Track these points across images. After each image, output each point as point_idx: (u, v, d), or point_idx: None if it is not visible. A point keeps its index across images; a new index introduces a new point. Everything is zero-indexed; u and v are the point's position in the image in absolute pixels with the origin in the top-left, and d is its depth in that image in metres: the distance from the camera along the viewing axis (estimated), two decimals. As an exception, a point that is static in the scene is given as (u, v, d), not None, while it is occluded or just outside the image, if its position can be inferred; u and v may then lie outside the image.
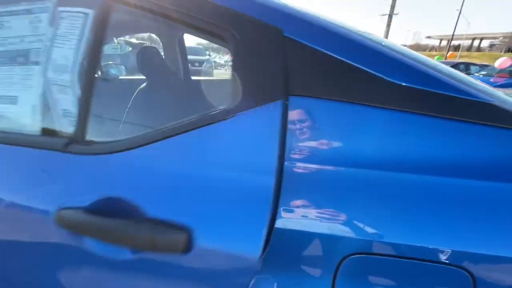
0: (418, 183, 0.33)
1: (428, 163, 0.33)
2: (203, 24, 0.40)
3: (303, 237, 0.34)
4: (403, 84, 0.34)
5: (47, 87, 0.52)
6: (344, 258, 0.33)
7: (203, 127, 0.38)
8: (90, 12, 0.50)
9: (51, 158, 0.47)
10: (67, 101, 0.51)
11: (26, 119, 0.54)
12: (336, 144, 0.35)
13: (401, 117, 0.34)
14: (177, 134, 0.40)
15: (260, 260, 0.33)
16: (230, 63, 0.41)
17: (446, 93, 0.34)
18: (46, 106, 0.52)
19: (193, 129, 0.39)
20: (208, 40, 0.48)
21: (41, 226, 0.43)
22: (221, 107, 0.40)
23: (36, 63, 0.53)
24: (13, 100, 0.55)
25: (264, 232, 0.33)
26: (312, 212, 0.33)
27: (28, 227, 0.45)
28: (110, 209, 0.40)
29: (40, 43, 0.53)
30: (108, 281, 0.41)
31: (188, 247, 0.35)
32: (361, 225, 0.32)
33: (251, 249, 0.34)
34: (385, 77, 0.34)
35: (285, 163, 0.35)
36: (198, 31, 0.43)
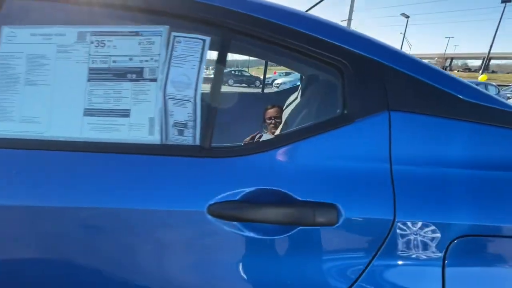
0: (499, 178, 0.49)
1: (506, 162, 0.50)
2: (324, 58, 0.54)
3: (418, 224, 0.48)
4: (477, 102, 0.53)
5: (165, 101, 0.59)
6: (452, 241, 0.47)
7: (332, 130, 0.52)
8: (207, 39, 0.59)
9: (184, 163, 0.54)
10: (185, 112, 0.59)
11: (140, 130, 0.59)
12: (426, 146, 0.52)
13: (475, 128, 0.52)
14: (309, 136, 0.52)
15: (392, 223, 0.48)
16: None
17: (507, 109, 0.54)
18: (165, 118, 0.59)
19: (323, 132, 0.52)
20: (317, 69, 0.62)
21: (194, 222, 0.50)
22: (338, 115, 0.54)
23: (153, 79, 0.59)
24: (124, 113, 0.59)
25: (391, 201, 0.48)
26: (423, 204, 0.48)
27: (180, 225, 0.51)
28: (264, 198, 0.50)
29: (154, 62, 0.59)
30: (261, 257, 0.50)
31: (337, 220, 0.48)
32: (467, 209, 0.47)
33: (382, 215, 0.48)
34: (462, 97, 0.53)
35: (393, 154, 0.51)
36: (315, 61, 0.57)
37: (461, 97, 0.54)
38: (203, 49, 0.59)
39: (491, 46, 21.97)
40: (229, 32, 0.58)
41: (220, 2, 0.58)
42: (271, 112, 1.56)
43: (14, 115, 0.62)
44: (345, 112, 0.54)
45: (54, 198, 0.54)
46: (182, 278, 0.52)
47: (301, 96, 1.50)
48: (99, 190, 0.55)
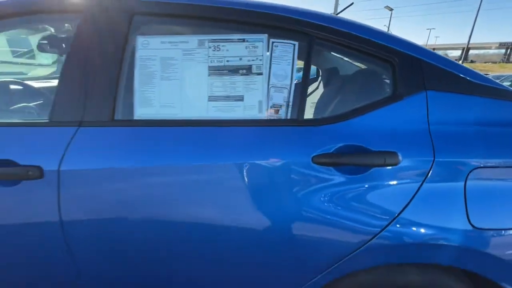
0: (498, 131, 0.76)
1: (504, 119, 0.78)
2: (383, 56, 0.80)
3: (449, 160, 0.74)
4: (478, 82, 0.80)
5: (269, 89, 0.82)
6: (471, 170, 0.73)
7: (389, 104, 0.78)
8: (295, 43, 0.83)
9: (288, 131, 0.78)
10: (282, 96, 0.83)
11: (252, 109, 0.82)
12: (448, 111, 0.78)
13: (480, 99, 0.79)
14: (374, 109, 0.78)
15: (431, 163, 0.73)
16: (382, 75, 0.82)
17: (500, 87, 0.81)
18: (268, 100, 0.82)
19: (383, 106, 0.78)
20: (372, 63, 0.87)
21: (302, 168, 0.75)
22: (391, 95, 0.80)
23: (259, 74, 0.82)
24: (239, 98, 0.83)
25: (431, 148, 0.74)
26: (452, 148, 0.74)
27: (290, 170, 0.75)
28: (349, 150, 0.75)
29: (259, 61, 0.83)
30: (347, 190, 0.75)
31: (398, 161, 0.73)
32: (477, 151, 0.74)
33: (426, 157, 0.74)
34: (470, 79, 0.80)
35: (431, 119, 0.77)
36: (374, 59, 0.82)
37: (471, 79, 0.81)
38: (294, 51, 0.83)
39: (470, 36, 22.99)
40: (313, 39, 0.82)
41: (307, 17, 0.82)
42: None
43: (155, 102, 0.84)
44: (396, 92, 0.80)
45: (187, 160, 0.77)
46: (292, 206, 0.76)
47: (324, 86, 1.76)
48: (224, 152, 0.78)
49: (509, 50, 66.44)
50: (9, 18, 0.90)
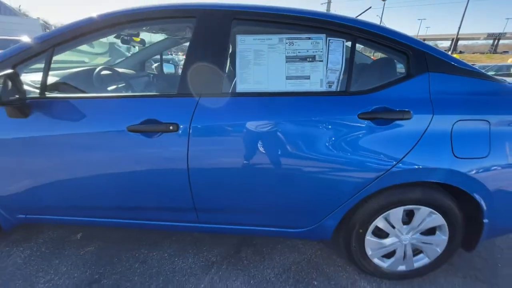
0: (475, 98, 1.21)
1: (477, 90, 1.22)
2: (400, 49, 1.22)
3: (442, 116, 1.17)
4: (461, 67, 1.23)
5: (327, 71, 1.24)
6: (456, 121, 1.17)
7: (407, 80, 1.21)
8: (344, 40, 1.24)
9: (339, 99, 1.21)
10: (335, 76, 1.25)
11: (316, 85, 1.24)
12: (442, 85, 1.22)
13: (463, 78, 1.22)
14: (396, 83, 1.21)
15: (430, 119, 1.18)
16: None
17: (475, 70, 1.25)
18: (324, 78, 1.24)
19: (403, 81, 1.21)
20: (394, 54, 1.30)
21: (349, 121, 1.18)
22: (406, 74, 1.23)
23: (320, 61, 1.24)
24: (307, 77, 1.24)
25: (430, 108, 1.18)
26: (443, 107, 1.19)
27: (340, 124, 1.18)
28: (380, 110, 1.18)
29: (320, 52, 1.24)
30: (378, 137, 1.19)
31: (411, 116, 1.17)
32: (460, 110, 1.18)
33: (429, 113, 1.18)
34: (457, 65, 1.23)
35: (431, 90, 1.21)
36: (394, 51, 1.24)
37: (456, 65, 1.25)
38: (343, 45, 1.25)
39: (459, 28, 23.64)
40: (356, 37, 1.24)
41: (351, 22, 1.23)
42: None
43: (249, 80, 1.25)
44: (409, 73, 1.23)
45: (273, 118, 1.19)
46: (344, 146, 1.19)
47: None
48: (298, 113, 1.20)
49: (496, 40, 68.05)
50: (140, 22, 1.28)
